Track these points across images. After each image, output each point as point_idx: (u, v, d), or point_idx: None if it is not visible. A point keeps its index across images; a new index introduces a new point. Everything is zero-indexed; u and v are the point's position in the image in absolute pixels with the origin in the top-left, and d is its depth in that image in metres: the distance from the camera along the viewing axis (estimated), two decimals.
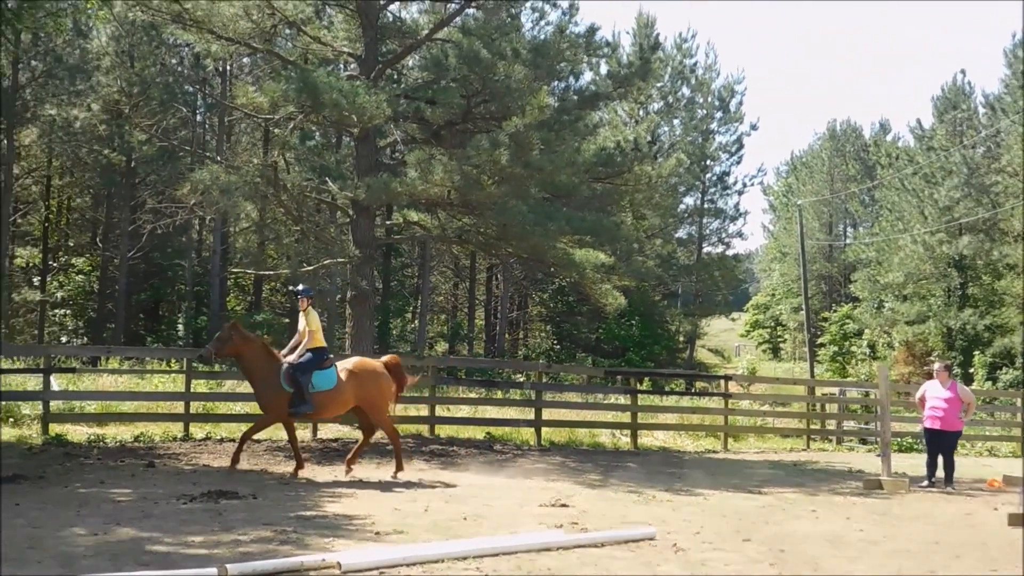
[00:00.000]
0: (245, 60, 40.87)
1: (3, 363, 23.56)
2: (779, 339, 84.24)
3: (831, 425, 27.55)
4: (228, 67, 42.56)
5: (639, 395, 24.58)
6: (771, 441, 26.01)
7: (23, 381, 21.52)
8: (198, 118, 46.56)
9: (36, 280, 45.49)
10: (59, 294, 44.68)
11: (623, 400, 24.67)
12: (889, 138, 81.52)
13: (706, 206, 55.89)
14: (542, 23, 26.83)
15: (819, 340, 59.20)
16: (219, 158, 31.60)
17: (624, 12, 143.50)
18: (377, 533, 10.85)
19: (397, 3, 24.30)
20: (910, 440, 26.17)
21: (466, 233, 23.61)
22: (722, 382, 26.25)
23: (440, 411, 22.64)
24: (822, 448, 25.76)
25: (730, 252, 58.78)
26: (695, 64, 54.70)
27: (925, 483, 17.68)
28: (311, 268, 24.35)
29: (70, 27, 35.72)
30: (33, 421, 19.35)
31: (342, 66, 26.30)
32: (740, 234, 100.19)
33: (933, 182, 55.64)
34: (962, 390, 18.05)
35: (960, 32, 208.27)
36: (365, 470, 16.46)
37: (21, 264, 47.05)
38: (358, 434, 20.66)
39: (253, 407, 21.02)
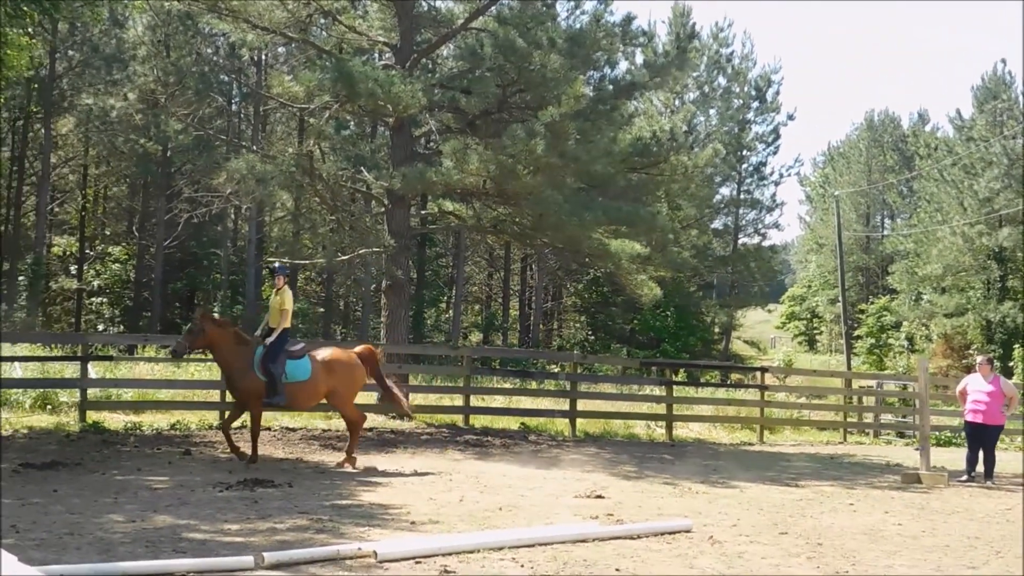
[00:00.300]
0: (280, 50, 40.96)
1: (41, 351, 23.73)
2: (815, 331, 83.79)
3: (868, 418, 27.35)
4: (263, 57, 42.71)
5: (674, 386, 24.45)
6: (807, 434, 25.85)
7: (61, 369, 21.65)
8: (233, 107, 46.72)
9: (73, 268, 45.89)
10: (96, 282, 45.02)
11: (658, 391, 24.56)
12: (928, 128, 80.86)
13: (742, 197, 55.61)
14: (578, 12, 26.69)
15: (856, 332, 58.81)
16: (255, 147, 31.69)
17: (660, 1, 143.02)
18: (413, 523, 10.82)
19: None
20: (948, 434, 25.98)
21: (501, 223, 23.55)
22: (758, 374, 26.11)
23: (475, 401, 22.64)
24: (859, 441, 25.58)
25: (766, 243, 58.50)
26: (731, 53, 54.40)
27: (964, 477, 17.51)
28: (346, 257, 24.38)
29: (107, 17, 35.91)
30: (71, 408, 19.46)
31: (377, 55, 26.31)
32: (776, 225, 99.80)
33: (973, 173, 55.09)
34: (1005, 384, 17.86)
35: (1001, 21, 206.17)
36: (399, 460, 16.47)
37: (58, 253, 47.45)
38: (393, 423, 20.82)
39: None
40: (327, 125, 23.76)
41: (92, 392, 19.56)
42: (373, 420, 20.91)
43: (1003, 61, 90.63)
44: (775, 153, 69.53)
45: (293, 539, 9.60)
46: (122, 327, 42.88)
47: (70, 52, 41.20)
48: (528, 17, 21.47)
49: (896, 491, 15.86)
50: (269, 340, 14.97)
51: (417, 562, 8.87)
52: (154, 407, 19.77)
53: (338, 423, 20.34)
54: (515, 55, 20.92)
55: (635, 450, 19.98)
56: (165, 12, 36.24)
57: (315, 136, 24.09)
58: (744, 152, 54.77)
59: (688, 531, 10.94)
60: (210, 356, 16.52)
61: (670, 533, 10.78)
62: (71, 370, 20.58)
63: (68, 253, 47.80)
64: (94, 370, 20.90)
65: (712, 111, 53.72)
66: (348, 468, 15.00)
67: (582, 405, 22.78)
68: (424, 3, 24.34)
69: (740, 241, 56.18)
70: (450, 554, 9.18)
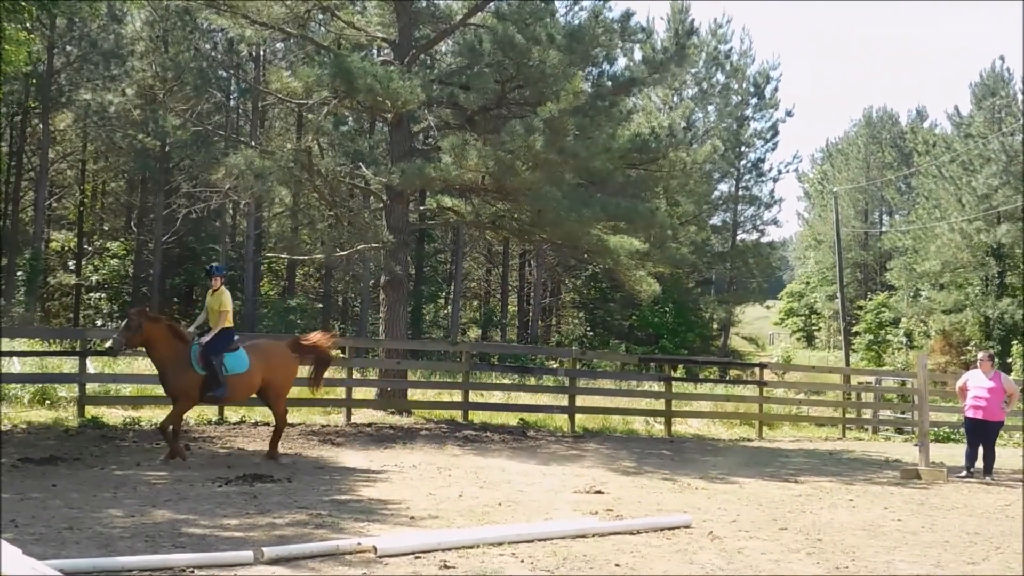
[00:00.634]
0: (279, 45, 41.00)
1: (39, 346, 23.70)
2: (814, 327, 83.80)
3: (867, 414, 27.37)
4: (262, 52, 42.67)
5: (673, 382, 24.47)
6: (806, 430, 25.86)
7: (59, 364, 21.61)
8: (232, 103, 46.68)
9: (72, 264, 45.84)
10: (94, 278, 45.01)
11: (657, 387, 24.57)
12: (926, 125, 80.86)
13: (740, 193, 55.57)
14: (576, 8, 26.83)
15: (854, 329, 58.82)
16: (253, 143, 31.64)
17: None
18: (412, 518, 10.82)
19: None
20: (947, 430, 25.99)
21: (500, 219, 23.54)
22: (756, 370, 26.12)
23: (473, 397, 22.65)
24: (858, 437, 25.60)
25: (764, 239, 58.36)
26: (730, 50, 54.34)
27: (964, 473, 17.52)
28: (345, 253, 24.38)
29: (105, 12, 35.88)
30: (69, 404, 19.45)
31: (375, 51, 26.28)
32: (775, 221, 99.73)
33: (971, 169, 55.07)
34: (1006, 380, 17.87)
35: (1000, 18, 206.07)
36: (398, 455, 16.47)
37: (56, 248, 47.43)
38: (392, 419, 20.80)
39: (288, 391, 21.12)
40: (326, 121, 23.76)
41: (91, 387, 19.55)
42: (372, 416, 20.94)
43: (1001, 58, 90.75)
44: (774, 149, 69.61)
45: (292, 534, 9.60)
46: (120, 322, 42.83)
47: (68, 47, 41.14)
48: (527, 13, 21.44)
49: (895, 487, 15.87)
50: (206, 338, 14.60)
51: (416, 557, 8.86)
52: (153, 402, 19.72)
53: (337, 418, 20.36)
54: (514, 51, 20.90)
55: (634, 446, 19.99)
56: (163, 7, 36.23)
57: (314, 132, 24.11)
58: (743, 148, 54.71)
59: (688, 527, 10.94)
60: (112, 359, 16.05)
61: (669, 529, 10.77)
62: (70, 365, 20.53)
63: (66, 248, 47.78)
64: (93, 365, 20.87)
65: (711, 107, 53.66)
66: (268, 460, 14.91)
67: (581, 401, 22.79)
68: None
69: (739, 237, 56.14)
70: (449, 549, 9.18)
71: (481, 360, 31.24)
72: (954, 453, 20.39)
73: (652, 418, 23.52)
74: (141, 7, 35.69)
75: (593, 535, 10.20)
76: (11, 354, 20.78)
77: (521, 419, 22.16)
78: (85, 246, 46.87)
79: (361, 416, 20.78)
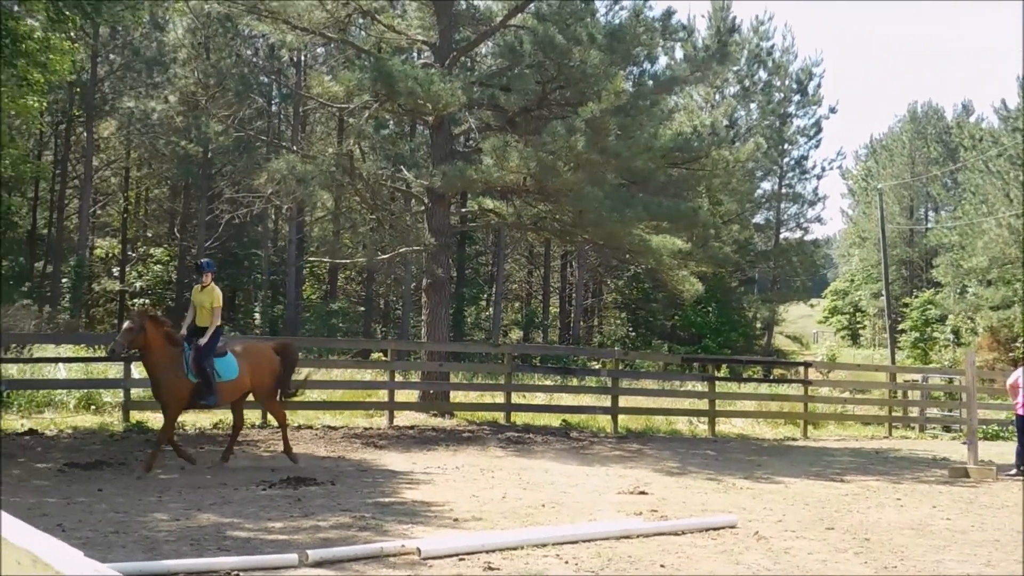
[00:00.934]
0: (319, 50, 41.12)
1: (84, 351, 23.90)
2: (858, 325, 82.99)
3: (913, 412, 27.10)
4: (302, 57, 42.86)
5: (716, 382, 24.33)
6: (852, 428, 25.64)
7: (104, 369, 21.79)
8: (273, 108, 46.92)
9: (115, 270, 46.23)
10: (138, 284, 45.34)
11: (700, 387, 24.45)
12: (972, 119, 79.83)
13: (784, 191, 55.12)
14: (617, 7, 26.69)
15: (900, 326, 58.24)
16: (295, 148, 31.81)
17: None
18: (455, 520, 10.81)
19: None
20: (996, 428, 25.68)
21: (542, 220, 23.51)
22: (801, 369, 25.93)
23: (516, 398, 22.60)
24: (904, 436, 25.35)
25: (808, 237, 57.82)
26: (772, 47, 53.92)
27: (1014, 471, 17.28)
28: (386, 256, 24.42)
29: (147, 20, 36.17)
30: (114, 408, 19.59)
31: (416, 54, 26.32)
32: (819, 219, 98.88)
33: (1019, 164, 54.34)
34: None
35: None
36: (441, 457, 16.48)
37: (101, 255, 47.86)
38: (435, 421, 20.82)
39: (331, 394, 21.24)
40: (367, 124, 23.81)
41: (135, 392, 19.66)
42: (415, 418, 20.96)
43: None
44: (817, 147, 69.00)
45: (336, 537, 9.61)
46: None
47: (111, 56, 41.54)
48: (567, 13, 21.40)
49: (943, 485, 15.70)
50: (202, 340, 14.18)
51: (460, 559, 8.85)
52: (196, 406, 19.81)
53: (380, 421, 20.39)
54: (554, 52, 20.86)
55: (678, 446, 19.89)
56: (205, 15, 36.42)
57: (355, 135, 24.15)
58: (785, 146, 54.24)
59: (733, 527, 10.87)
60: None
61: (715, 529, 10.72)
62: (115, 370, 20.69)
63: (110, 255, 48.19)
64: (137, 370, 20.98)
65: (753, 105, 53.24)
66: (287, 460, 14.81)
67: (624, 402, 22.71)
68: (463, 1, 24.38)
69: (782, 236, 55.68)
70: (494, 551, 9.16)
71: (523, 362, 31.23)
72: (1003, 451, 20.15)
73: (696, 418, 23.41)
74: (183, 15, 35.92)
75: (638, 536, 10.15)
76: (57, 360, 20.98)
77: (564, 420, 22.11)
78: (129, 252, 47.26)
79: (404, 419, 20.80)
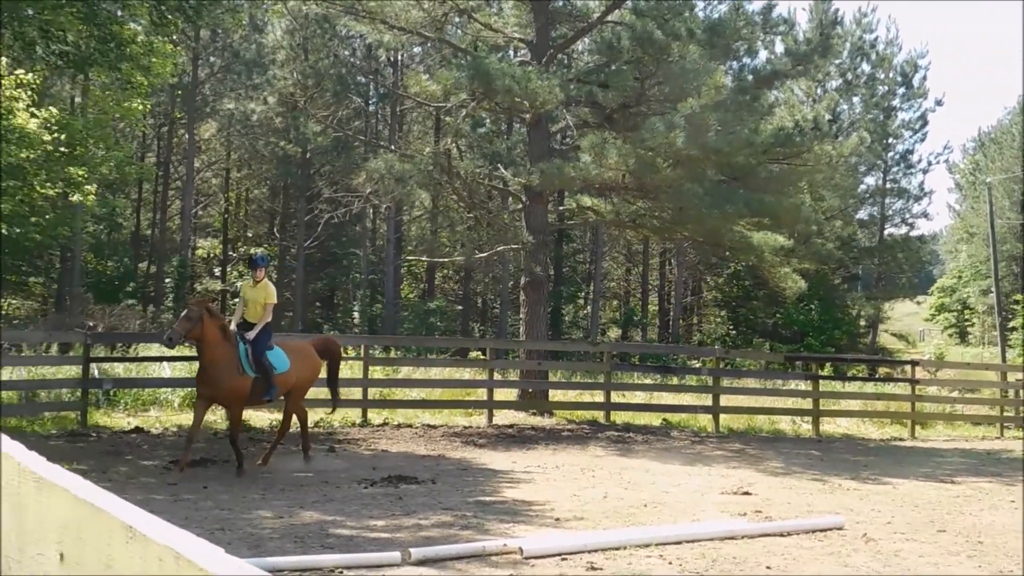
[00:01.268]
0: (416, 49, 41.35)
1: (188, 351, 24.24)
2: (967, 323, 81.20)
3: None
4: (399, 57, 43.12)
5: (820, 381, 23.88)
6: (961, 429, 24.99)
7: None
8: (371, 108, 47.31)
9: (217, 270, 47.02)
10: (239, 283, 46.00)
11: (803, 386, 24.02)
12: None
13: (888, 186, 54.09)
14: (716, 1, 26.40)
15: (1011, 324, 56.77)
16: (392, 147, 32.01)
17: None
18: (557, 519, 10.73)
19: None
20: None
21: (640, 217, 23.33)
22: (908, 367, 25.36)
23: (615, 397, 22.43)
24: (1017, 436, 24.62)
25: (914, 233, 56.69)
26: (875, 39, 52.93)
27: None
28: (484, 255, 24.44)
29: (246, 23, 36.68)
30: (217, 407, 19.79)
31: (512, 52, 26.30)
32: (925, 214, 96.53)
33: None
34: None
35: None
36: (540, 456, 16.41)
37: (203, 255, 48.73)
38: (534, 420, 20.73)
39: (429, 393, 21.28)
40: (464, 123, 23.86)
41: None
42: (513, 417, 20.91)
43: None
44: (923, 140, 67.59)
45: (438, 535, 9.59)
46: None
47: (212, 58, 42.27)
48: (665, 8, 21.24)
49: None
50: (250, 334, 13.71)
51: (563, 559, 8.78)
52: (256, 403, 19.97)
53: (479, 419, 20.37)
54: (653, 47, 20.69)
55: (781, 446, 19.55)
56: (303, 16, 36.87)
57: (452, 134, 24.25)
58: (890, 140, 53.17)
59: (840, 528, 10.67)
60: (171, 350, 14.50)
61: (821, 530, 10.54)
62: None
63: (212, 255, 49.04)
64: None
65: (856, 99, 52.33)
66: (305, 463, 14.42)
67: (725, 401, 22.39)
68: None
69: (886, 231, 54.62)
70: (596, 551, 9.08)
71: (622, 360, 31.00)
72: None
73: (799, 418, 22.99)
74: (281, 16, 36.39)
75: (742, 537, 10.02)
76: (161, 359, 21.32)
77: (664, 419, 21.87)
78: (230, 252, 48.03)
79: (503, 417, 20.76)
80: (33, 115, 18.54)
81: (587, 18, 23.40)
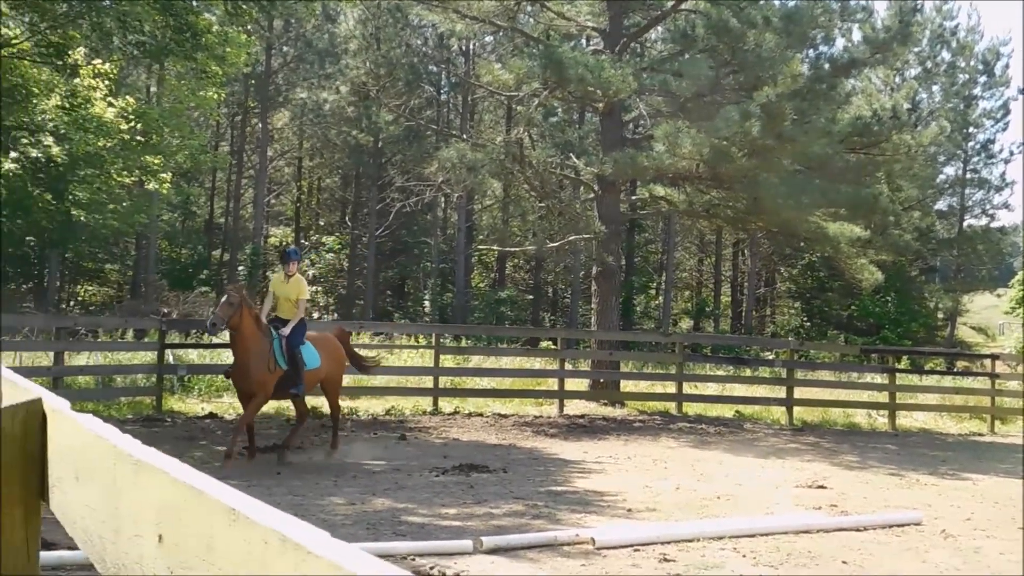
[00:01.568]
0: (488, 38, 41.32)
1: None
2: None
3: None
4: (471, 46, 43.16)
5: (897, 374, 23.52)
6: None
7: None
8: (442, 97, 47.41)
9: None
10: (310, 272, 46.37)
11: (880, 379, 23.66)
12: None
13: (968, 176, 53.19)
14: None
15: None
16: (464, 136, 32.05)
17: None
18: (629, 510, 10.67)
19: None
20: None
21: (714, 207, 23.13)
22: (987, 361, 24.88)
23: (687, 388, 22.28)
24: None
25: (995, 224, 55.66)
26: (956, 27, 52.02)
27: None
28: (556, 244, 24.37)
29: (319, 12, 36.92)
30: None
31: (585, 41, 26.18)
32: (1006, 205, 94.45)
33: None
34: None
35: None
36: (612, 447, 16.33)
37: (275, 243, 49.16)
38: (605, 410, 20.66)
39: (500, 382, 21.27)
40: (536, 112, 23.78)
41: None
42: (584, 407, 20.85)
43: None
44: (1004, 130, 66.33)
45: (510, 524, 9.57)
46: (336, 315, 44.08)
47: (285, 48, 42.58)
48: None
49: None
50: (285, 330, 13.32)
51: (635, 550, 8.71)
52: (369, 393, 20.12)
53: (549, 409, 20.33)
54: (728, 35, 20.47)
55: (856, 440, 19.28)
56: (375, 5, 37.03)
57: (524, 123, 24.17)
58: (970, 129, 52.22)
59: (918, 524, 10.50)
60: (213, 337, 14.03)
61: (899, 526, 10.38)
62: None
63: (284, 243, 49.44)
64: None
65: (935, 87, 51.47)
66: (335, 456, 14.05)
67: (799, 393, 22.12)
68: None
69: (966, 223, 53.71)
70: (669, 542, 9.02)
71: (693, 351, 30.81)
72: None
73: (875, 411, 22.68)
74: (354, 6, 36.57)
75: (817, 531, 9.90)
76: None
77: (737, 411, 21.68)
78: (302, 240, 48.39)
79: (573, 407, 20.71)
80: (110, 104, 18.82)
81: (661, 6, 23.21)
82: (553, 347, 23.35)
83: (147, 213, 29.12)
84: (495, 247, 40.54)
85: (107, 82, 19.35)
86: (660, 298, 49.11)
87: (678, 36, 22.08)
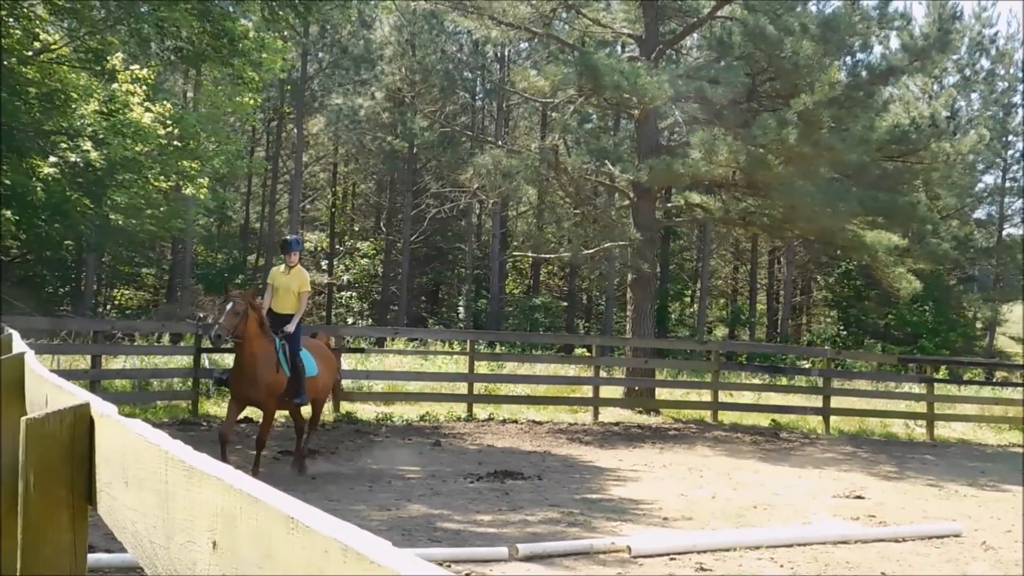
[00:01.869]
0: (523, 45, 41.34)
1: None
2: None
3: None
4: (506, 52, 43.18)
5: (935, 384, 23.30)
6: None
7: None
8: (478, 103, 47.45)
9: (324, 263, 47.58)
10: (345, 277, 46.55)
11: (917, 389, 23.46)
12: None
13: (1008, 184, 52.65)
14: None
15: None
16: (499, 142, 32.06)
17: None
18: (665, 518, 10.63)
19: None
20: None
21: (750, 215, 23.04)
22: None
23: (723, 396, 22.17)
24: None
25: None
26: (995, 34, 51.64)
27: None
28: (591, 251, 24.33)
29: (355, 18, 37.03)
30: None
31: (620, 48, 26.14)
32: None
33: None
34: None
35: None
36: (647, 455, 16.27)
37: (310, 248, 49.33)
38: (640, 418, 20.58)
39: (535, 389, 21.22)
40: (571, 119, 23.76)
41: (345, 383, 20.07)
42: (619, 415, 20.78)
43: None
44: None
45: (545, 532, 9.55)
46: (370, 320, 44.18)
47: (320, 54, 42.74)
48: (778, 3, 20.90)
49: None
50: (289, 327, 12.49)
51: (672, 558, 8.68)
52: (403, 398, 20.15)
53: (584, 416, 20.27)
54: (765, 42, 20.39)
55: (894, 450, 19.12)
56: (411, 12, 37.12)
57: (559, 130, 24.14)
58: (1010, 137, 51.68)
59: (958, 535, 10.40)
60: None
61: (938, 537, 10.29)
62: None
63: (319, 248, 49.61)
64: (346, 362, 21.46)
65: (974, 95, 51.04)
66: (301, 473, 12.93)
67: (836, 402, 21.96)
68: None
69: (1005, 232, 53.14)
70: (705, 551, 8.98)
71: (729, 359, 30.67)
72: None
73: (912, 421, 22.48)
74: (390, 12, 36.67)
75: (855, 541, 9.84)
76: None
77: (773, 420, 21.54)
78: (336, 246, 48.56)
79: (608, 415, 20.64)
80: (148, 110, 18.93)
81: (697, 13, 23.15)
82: (588, 354, 23.29)
83: (184, 218, 29.28)
84: (529, 253, 40.47)
85: (145, 87, 19.47)
86: (695, 306, 48.94)
87: (714, 43, 22.04)
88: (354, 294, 47.37)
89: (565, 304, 47.04)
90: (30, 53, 18.70)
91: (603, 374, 22.19)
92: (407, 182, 43.18)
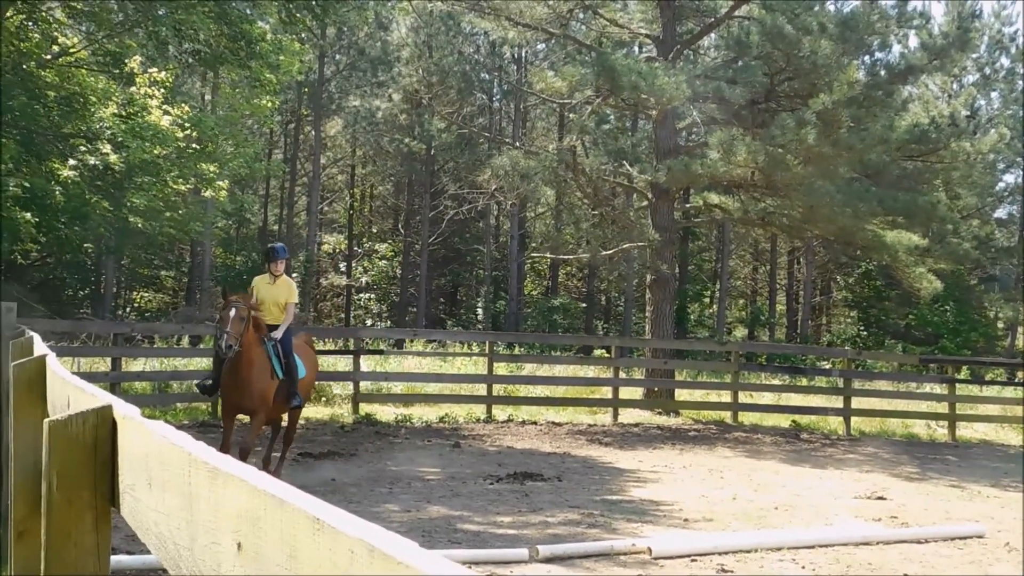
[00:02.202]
0: (540, 46, 41.31)
1: (316, 345, 24.60)
2: None
3: None
4: (524, 53, 43.16)
5: (956, 384, 23.18)
6: None
7: (334, 362, 22.34)
8: (495, 105, 47.44)
9: (342, 265, 47.67)
10: (363, 279, 46.58)
11: (939, 389, 23.35)
12: None
13: None
14: None
15: None
16: (517, 144, 32.04)
17: None
18: (685, 520, 10.60)
19: None
20: None
21: (769, 215, 22.96)
22: None
23: (743, 397, 22.09)
24: None
25: None
26: (1015, 32, 51.54)
27: None
28: (609, 252, 24.29)
29: (372, 20, 37.07)
30: (344, 400, 20.06)
31: (638, 48, 26.10)
32: None
33: None
34: None
35: None
36: (667, 456, 16.23)
37: (328, 250, 49.41)
38: (659, 419, 20.53)
39: (553, 390, 21.20)
40: (589, 119, 23.74)
41: (364, 385, 20.10)
42: (639, 416, 20.74)
43: None
44: None
45: (565, 533, 9.53)
46: (388, 322, 44.20)
47: (337, 56, 42.80)
48: (796, 2, 20.83)
49: None
50: (276, 334, 11.97)
51: (692, 560, 8.66)
52: (423, 400, 20.16)
53: (603, 417, 20.24)
54: (783, 42, 20.32)
55: (915, 450, 19.02)
56: (428, 13, 37.15)
57: (577, 131, 24.12)
58: None
59: (981, 536, 10.34)
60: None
61: (961, 538, 10.23)
62: (344, 363, 21.20)
63: (337, 250, 49.68)
64: (365, 364, 21.48)
65: (994, 94, 50.78)
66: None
67: (856, 403, 21.87)
68: None
69: None
70: (726, 553, 8.95)
71: (748, 360, 30.61)
72: None
73: (934, 422, 22.37)
74: (406, 14, 36.71)
75: (877, 543, 9.80)
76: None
77: (793, 421, 21.47)
78: (355, 248, 48.61)
79: (628, 416, 20.61)
80: (166, 112, 19.00)
81: (715, 13, 23.10)
82: (607, 355, 23.23)
83: (202, 221, 29.36)
84: (548, 255, 40.47)
85: (163, 90, 19.54)
86: (714, 306, 48.85)
87: (732, 43, 21.99)
88: (373, 296, 47.41)
89: (584, 305, 46.99)
90: (49, 57, 18.79)
91: (622, 375, 22.14)
92: (425, 184, 43.21)
